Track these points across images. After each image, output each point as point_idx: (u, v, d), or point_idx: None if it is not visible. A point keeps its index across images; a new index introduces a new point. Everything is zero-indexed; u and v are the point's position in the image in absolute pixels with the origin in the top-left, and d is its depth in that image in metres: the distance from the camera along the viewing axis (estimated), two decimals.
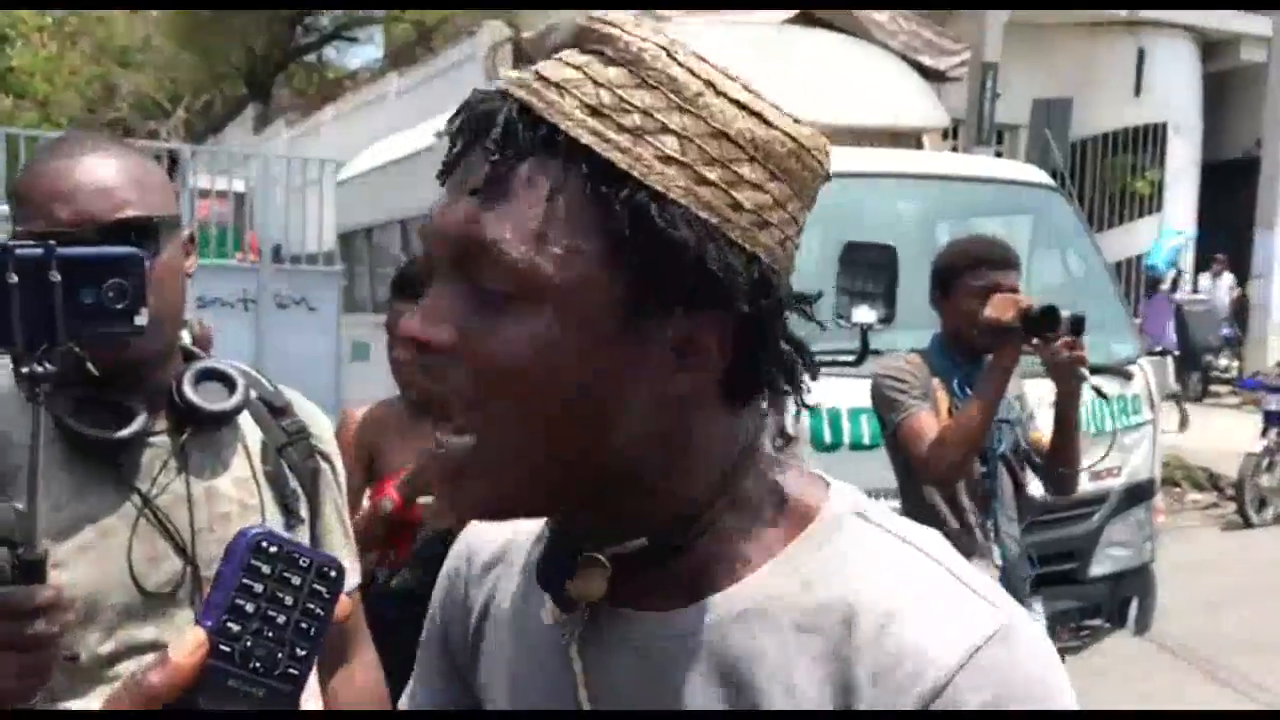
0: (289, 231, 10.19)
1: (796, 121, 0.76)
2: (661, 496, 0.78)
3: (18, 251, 1.10)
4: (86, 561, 1.38)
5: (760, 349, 0.76)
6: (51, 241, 1.13)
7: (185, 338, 1.62)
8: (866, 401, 3.87)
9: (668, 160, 0.71)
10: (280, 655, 0.74)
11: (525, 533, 0.92)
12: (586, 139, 0.71)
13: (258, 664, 0.73)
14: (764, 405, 0.81)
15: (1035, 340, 2.89)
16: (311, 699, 1.58)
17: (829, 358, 4.02)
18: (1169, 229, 14.31)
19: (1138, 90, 14.51)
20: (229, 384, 1.53)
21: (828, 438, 4.07)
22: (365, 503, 3.04)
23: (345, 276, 9.33)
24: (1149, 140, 14.84)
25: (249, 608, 0.73)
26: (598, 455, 0.75)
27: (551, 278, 0.71)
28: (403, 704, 0.99)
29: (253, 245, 10.88)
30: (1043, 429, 3.19)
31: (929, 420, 2.95)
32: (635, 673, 0.79)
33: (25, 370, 1.10)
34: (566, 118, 0.71)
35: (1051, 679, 0.73)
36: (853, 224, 4.49)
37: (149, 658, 1.37)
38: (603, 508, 0.78)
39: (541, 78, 0.73)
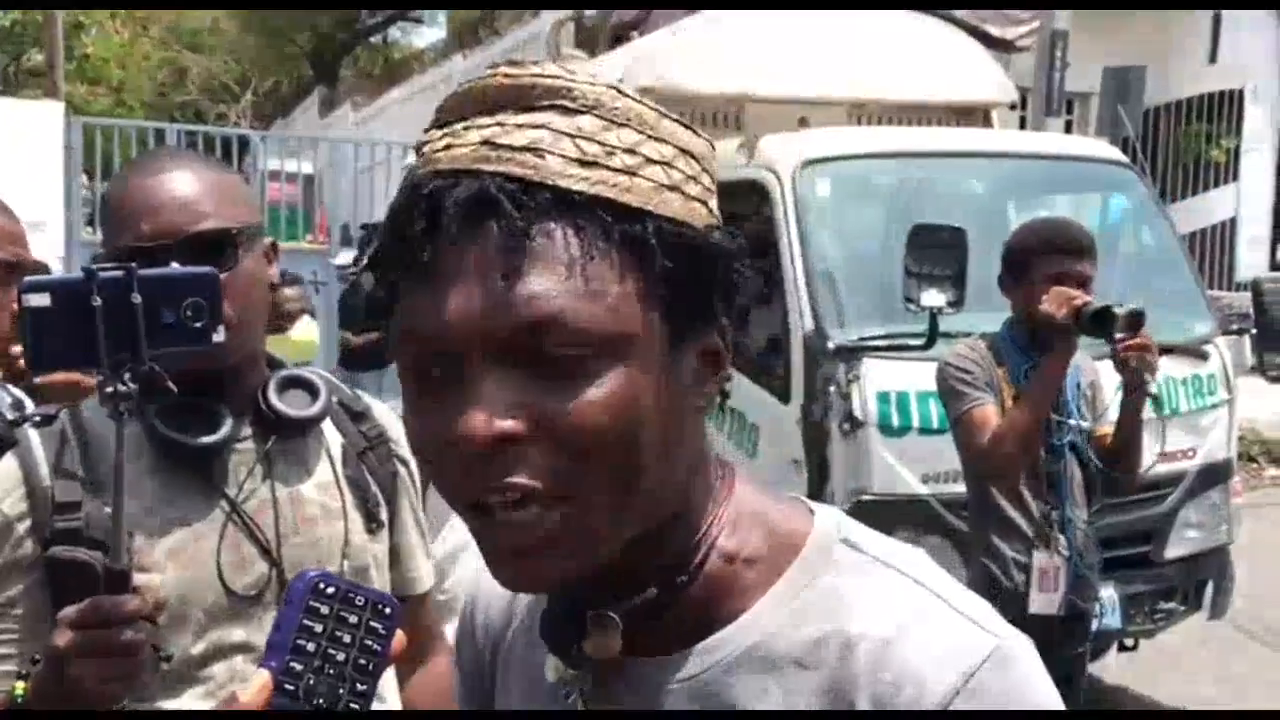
0: (357, 213, 10.33)
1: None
2: (681, 533, 0.79)
3: (101, 275, 1.13)
4: (177, 564, 1.43)
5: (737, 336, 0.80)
6: (133, 264, 1.17)
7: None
8: (935, 385, 3.86)
9: (660, 188, 0.74)
10: (341, 691, 0.79)
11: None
12: (592, 190, 0.72)
13: (320, 700, 0.78)
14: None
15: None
16: (389, 694, 1.61)
17: (898, 341, 4.01)
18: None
19: (1213, 56, 14.14)
20: (312, 391, 1.57)
21: (896, 422, 4.05)
22: None
23: None
24: (1225, 107, 14.48)
25: (310, 647, 0.78)
26: (669, 492, 0.76)
27: (616, 329, 0.71)
28: None
29: (322, 226, 11.04)
30: (1109, 426, 3.16)
31: (990, 415, 2.94)
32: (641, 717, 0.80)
33: (110, 390, 1.14)
34: (562, 176, 0.72)
35: (1042, 697, 0.74)
36: (920, 205, 4.46)
37: (239, 659, 1.43)
38: (630, 554, 0.77)
39: (503, 145, 0.72)
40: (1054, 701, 0.75)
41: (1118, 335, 2.86)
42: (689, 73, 5.49)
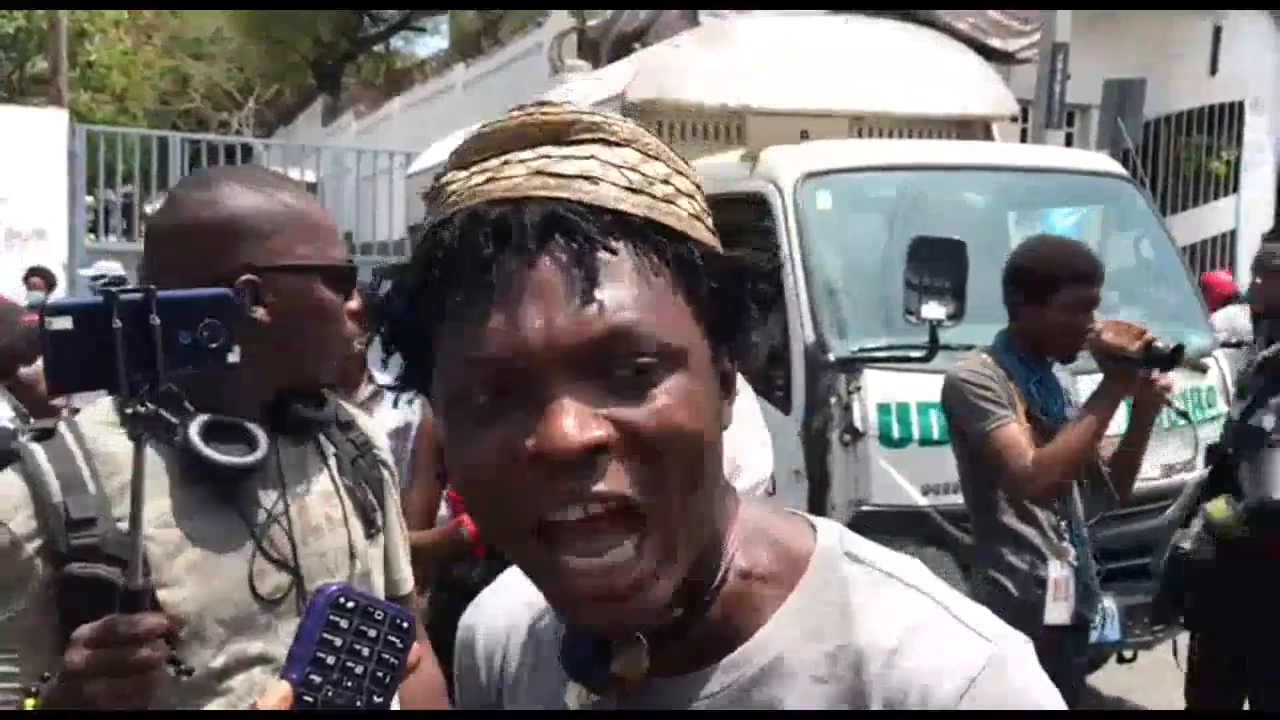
0: (359, 221, 10.36)
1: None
2: (711, 553, 0.81)
3: (122, 297, 1.15)
4: (196, 578, 1.43)
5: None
6: (152, 286, 1.18)
7: None
8: (935, 397, 3.86)
9: (690, 217, 0.79)
10: (359, 704, 0.81)
11: (522, 608, 0.93)
12: (646, 214, 0.76)
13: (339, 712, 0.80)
14: None
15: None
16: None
17: (899, 353, 4.03)
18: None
19: (1214, 69, 14.18)
20: (320, 397, 1.61)
21: (896, 433, 4.07)
22: (443, 508, 3.11)
23: None
24: (1225, 119, 14.51)
25: (329, 660, 0.80)
26: (714, 515, 0.80)
27: (676, 342, 0.74)
28: None
29: None
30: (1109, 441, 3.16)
31: (1018, 434, 2.92)
32: None
33: (129, 411, 1.15)
34: (618, 200, 0.75)
35: (1043, 701, 0.77)
36: (921, 218, 4.48)
37: (257, 671, 1.43)
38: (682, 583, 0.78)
39: (556, 174, 0.75)
40: (1054, 702, 0.77)
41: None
42: (691, 85, 5.52)
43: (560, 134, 0.77)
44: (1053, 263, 3.06)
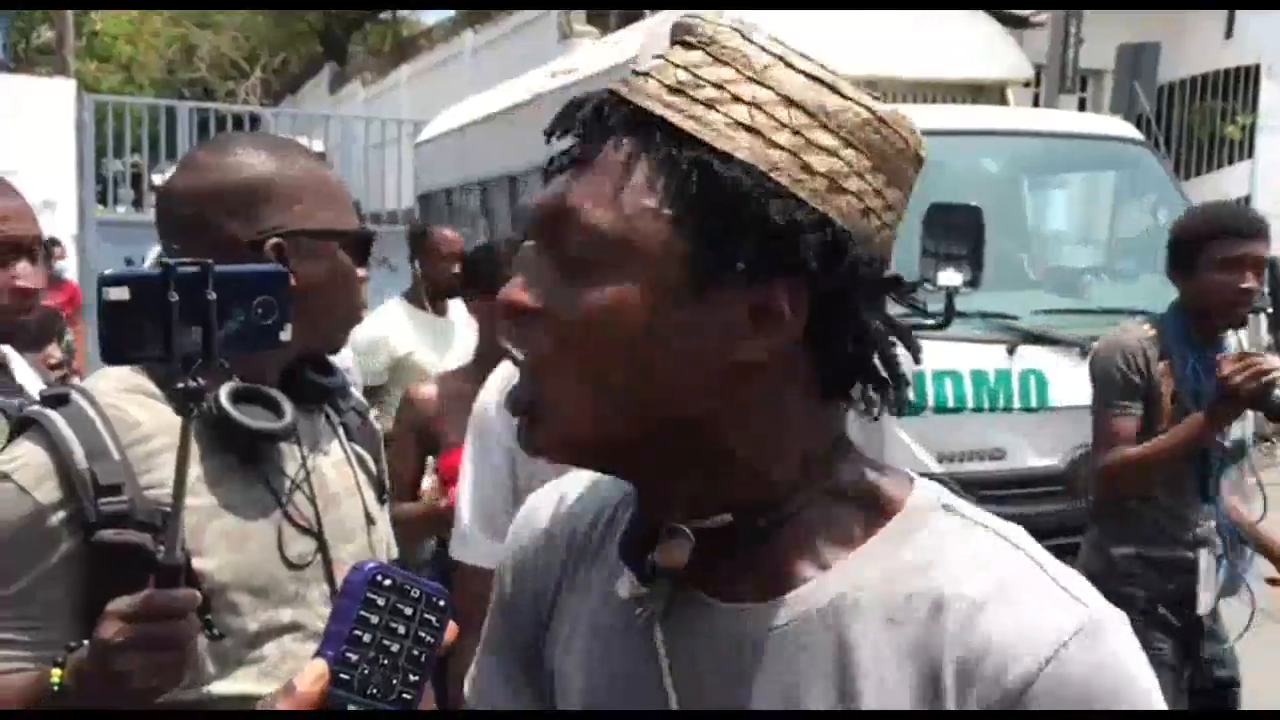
0: (368, 189, 10.35)
1: (875, 99, 0.80)
2: (745, 473, 0.80)
3: (179, 270, 1.13)
4: (227, 546, 1.42)
5: (842, 321, 0.78)
6: (209, 260, 1.16)
7: None
8: (950, 364, 3.84)
9: (736, 125, 0.76)
10: (395, 681, 0.80)
11: (588, 510, 0.94)
12: (659, 110, 0.77)
13: (374, 690, 0.80)
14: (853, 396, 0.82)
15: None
16: None
17: (914, 320, 4.00)
18: None
19: (1229, 32, 14.07)
20: (328, 365, 1.61)
21: (912, 400, 4.05)
22: (426, 482, 3.07)
23: None
24: (1241, 84, 14.40)
25: (366, 638, 0.79)
26: (659, 409, 0.78)
27: (625, 237, 0.76)
28: (470, 674, 1.01)
29: None
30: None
31: (1128, 430, 2.85)
32: (725, 665, 0.80)
33: (180, 386, 1.13)
34: (647, 96, 0.78)
35: (1138, 675, 0.74)
36: (935, 184, 4.45)
37: (288, 638, 1.43)
38: (684, 474, 0.80)
39: (635, 71, 0.80)
40: (1145, 676, 0.74)
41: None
42: None
43: (673, 34, 0.82)
44: (1196, 224, 2.95)
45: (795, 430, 0.80)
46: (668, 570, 0.80)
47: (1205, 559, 2.91)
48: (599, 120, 0.79)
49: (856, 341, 0.79)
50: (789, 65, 0.78)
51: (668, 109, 0.77)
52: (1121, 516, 2.97)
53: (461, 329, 3.96)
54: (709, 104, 0.76)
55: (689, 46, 0.79)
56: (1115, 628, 0.74)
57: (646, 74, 0.79)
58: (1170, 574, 2.92)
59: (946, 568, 0.76)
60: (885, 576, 0.77)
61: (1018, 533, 0.80)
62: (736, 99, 0.76)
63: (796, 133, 0.76)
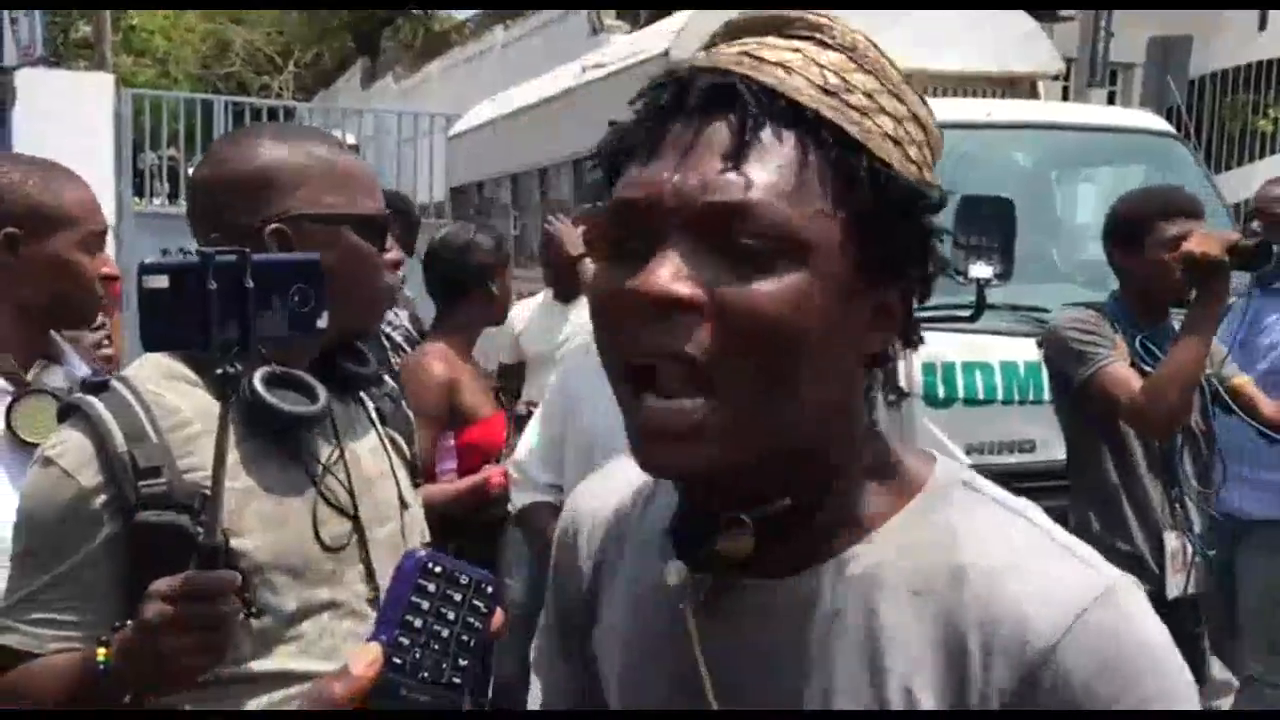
0: (400, 182, 10.41)
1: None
2: (822, 459, 0.82)
3: (217, 259, 1.16)
4: (265, 527, 1.45)
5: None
6: (246, 249, 1.19)
7: None
8: (980, 356, 3.84)
9: (886, 137, 0.79)
10: (445, 665, 0.84)
11: (631, 496, 0.97)
12: (827, 112, 0.77)
13: (425, 674, 0.83)
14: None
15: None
16: None
17: (944, 313, 4.03)
18: None
19: (1262, 24, 13.94)
20: (361, 353, 1.64)
21: (941, 393, 4.07)
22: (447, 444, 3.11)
23: None
24: (1273, 77, 14.27)
25: (417, 623, 0.83)
26: (812, 413, 0.78)
27: (803, 236, 0.75)
28: (534, 643, 1.05)
29: None
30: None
31: (1126, 371, 2.81)
32: (756, 638, 0.82)
33: (219, 371, 1.15)
34: (801, 93, 0.77)
35: (1156, 642, 0.76)
36: (967, 177, 4.46)
37: (325, 616, 1.47)
38: (777, 470, 0.80)
39: (757, 58, 0.79)
40: (1165, 642, 0.76)
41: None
42: None
43: (784, 26, 0.81)
44: (1141, 204, 2.98)
45: (857, 411, 0.84)
46: (722, 557, 0.81)
47: (1173, 541, 2.90)
48: (756, 106, 0.76)
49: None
50: (908, 80, 0.82)
51: (834, 112, 0.77)
52: (1092, 506, 2.96)
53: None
54: (862, 111, 0.78)
55: (824, 46, 0.80)
56: (1131, 592, 0.77)
57: (784, 67, 0.78)
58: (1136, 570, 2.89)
59: (968, 541, 0.79)
60: (911, 550, 0.80)
61: (1033, 508, 0.84)
62: (882, 110, 0.79)
63: (921, 148, 0.81)
